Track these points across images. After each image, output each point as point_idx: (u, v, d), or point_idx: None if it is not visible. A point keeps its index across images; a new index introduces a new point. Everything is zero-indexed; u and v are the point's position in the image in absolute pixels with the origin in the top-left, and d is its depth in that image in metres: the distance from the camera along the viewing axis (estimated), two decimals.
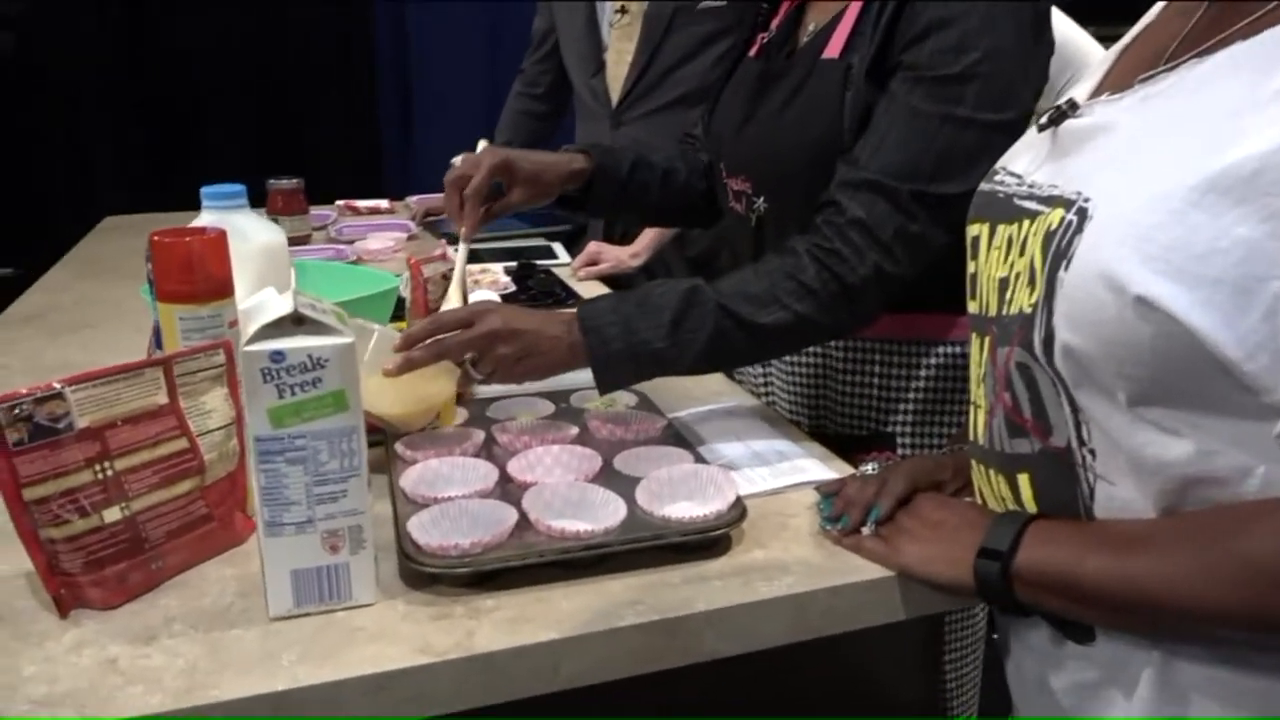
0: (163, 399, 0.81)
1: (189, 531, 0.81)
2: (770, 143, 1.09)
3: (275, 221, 2.13)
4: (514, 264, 1.89)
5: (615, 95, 2.12)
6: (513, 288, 1.74)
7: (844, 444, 1.15)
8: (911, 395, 1.13)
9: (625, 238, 2.00)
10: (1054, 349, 0.67)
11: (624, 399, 1.12)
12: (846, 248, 0.95)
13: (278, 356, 0.70)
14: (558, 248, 2.11)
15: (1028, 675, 0.80)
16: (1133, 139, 0.67)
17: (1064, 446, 0.70)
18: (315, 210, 2.36)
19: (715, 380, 1.30)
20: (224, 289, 0.86)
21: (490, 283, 1.75)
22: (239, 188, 0.99)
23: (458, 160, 1.12)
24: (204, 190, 0.97)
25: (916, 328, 1.11)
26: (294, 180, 2.17)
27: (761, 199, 1.11)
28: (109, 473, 0.76)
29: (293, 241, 2.15)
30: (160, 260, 0.84)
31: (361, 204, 2.60)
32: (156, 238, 0.84)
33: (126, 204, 2.75)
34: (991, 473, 0.79)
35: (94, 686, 0.66)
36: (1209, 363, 0.60)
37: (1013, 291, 0.73)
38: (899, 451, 1.14)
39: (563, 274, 1.88)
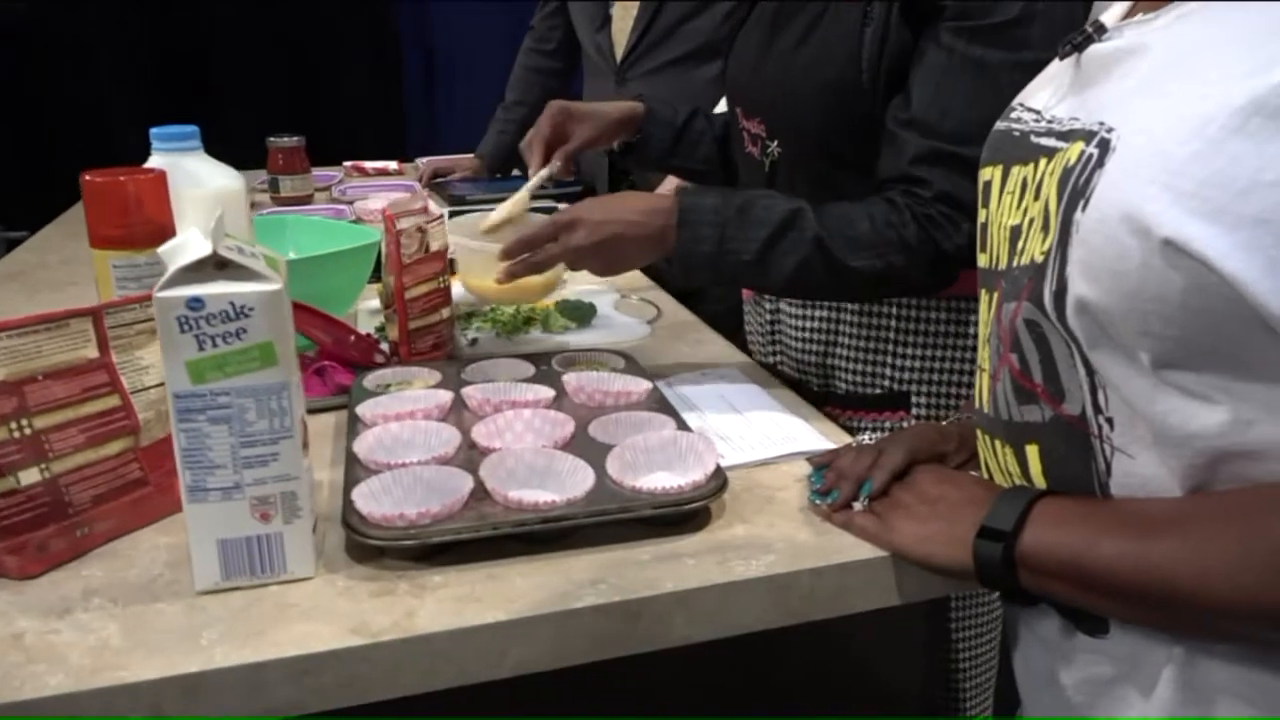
0: (92, 352, 0.75)
1: (120, 496, 0.75)
2: (783, 83, 1.02)
3: (275, 180, 2.08)
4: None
5: (620, 51, 2.03)
6: None
7: (855, 404, 1.08)
8: (928, 352, 1.05)
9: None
10: (1066, 303, 0.58)
11: (611, 362, 1.05)
12: (940, 217, 0.93)
13: (195, 304, 0.63)
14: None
15: (1036, 668, 0.73)
16: (1166, 61, 0.58)
17: (1077, 415, 0.61)
18: (321, 171, 2.30)
19: (715, 344, 1.22)
20: (163, 234, 0.80)
21: None
22: (192, 128, 0.92)
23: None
24: (153, 131, 0.90)
25: None
26: (295, 138, 2.11)
27: (775, 143, 1.05)
28: (26, 431, 0.70)
29: (293, 201, 2.10)
30: (93, 202, 0.77)
31: (369, 165, 2.54)
32: (89, 177, 0.77)
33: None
34: (997, 444, 0.70)
35: None
36: (1248, 318, 0.51)
37: (1025, 240, 0.65)
38: (913, 412, 1.07)
39: None
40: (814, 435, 0.91)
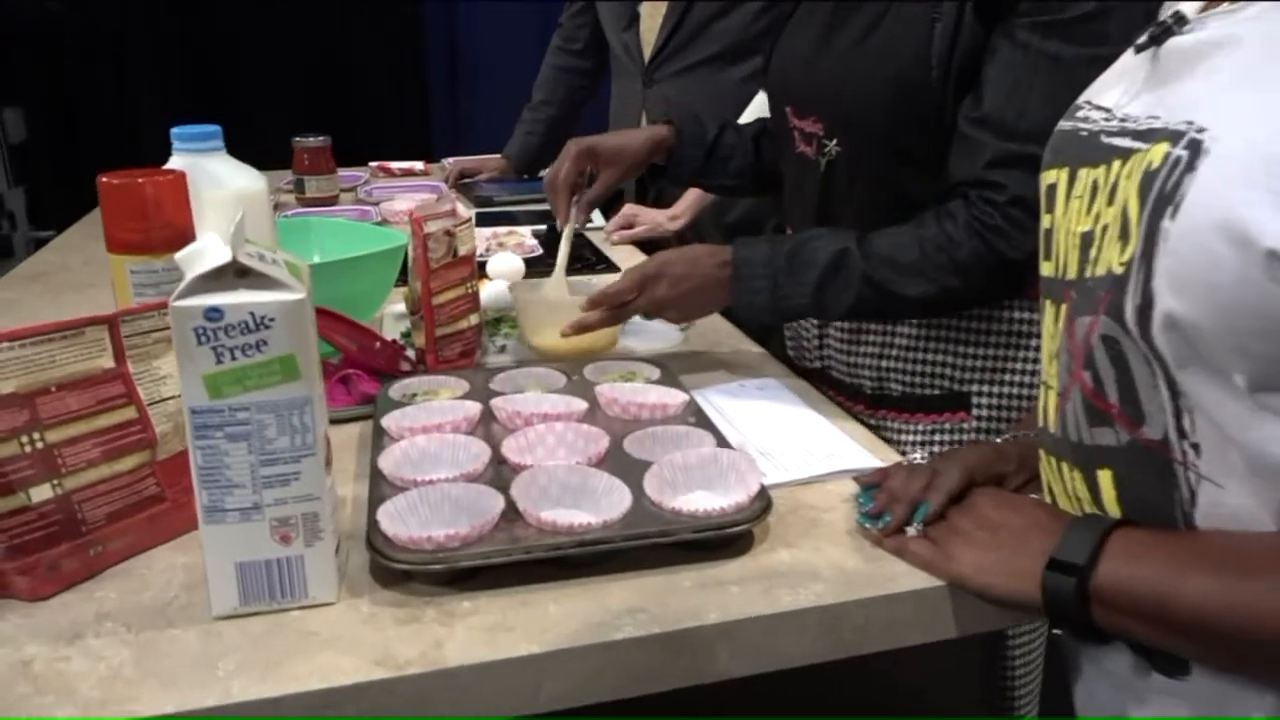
0: (107, 362, 0.71)
1: (135, 513, 0.72)
2: (846, 79, 0.98)
3: (300, 181, 2.05)
4: (542, 227, 1.78)
5: (648, 51, 1.99)
6: (539, 251, 1.63)
7: (911, 406, 1.05)
8: (993, 352, 1.01)
9: (660, 200, 1.88)
10: (1152, 318, 0.54)
11: (645, 372, 1.01)
12: (1009, 225, 0.89)
13: (214, 314, 0.59)
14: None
15: (1102, 703, 0.68)
16: (1263, 54, 0.53)
17: (1159, 440, 0.57)
18: (347, 171, 2.27)
19: (750, 351, 1.18)
20: (183, 238, 0.76)
21: (515, 245, 1.64)
22: (214, 128, 0.89)
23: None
24: (173, 131, 0.86)
25: None
26: (320, 138, 2.08)
27: (834, 141, 1.01)
28: (38, 445, 0.67)
29: (319, 202, 2.08)
30: (110, 205, 0.74)
31: (395, 165, 2.51)
32: (105, 179, 0.74)
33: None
34: (1064, 467, 0.66)
35: None
36: None
37: (1098, 248, 0.60)
38: (974, 414, 1.02)
39: (595, 237, 1.77)
40: (860, 451, 0.87)
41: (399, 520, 0.70)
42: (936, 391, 1.04)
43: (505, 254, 1.48)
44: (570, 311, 1.05)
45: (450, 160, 2.53)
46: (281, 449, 0.62)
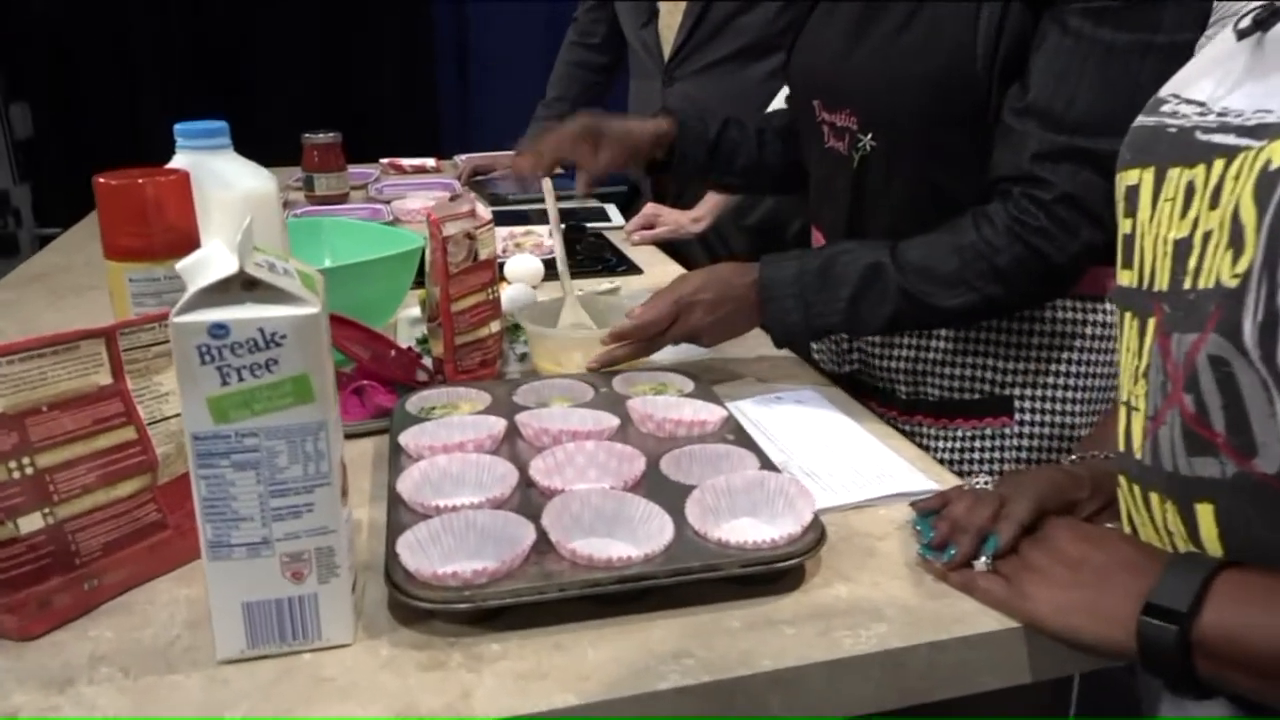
0: (104, 379, 0.66)
1: (135, 542, 0.66)
2: (884, 71, 0.93)
3: (310, 178, 2.00)
4: (562, 226, 1.72)
5: (668, 49, 1.92)
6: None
7: (950, 411, 1.00)
8: (1038, 354, 0.96)
9: (680, 200, 1.82)
10: (1278, 337, 0.47)
11: (677, 383, 0.95)
12: (1054, 225, 0.84)
13: (219, 330, 0.54)
14: (611, 209, 1.94)
15: None
16: None
17: (1273, 474, 0.51)
18: (357, 168, 2.21)
19: (778, 355, 1.12)
20: (186, 244, 0.71)
21: (534, 246, 1.58)
22: (220, 124, 0.83)
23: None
24: (177, 128, 0.81)
25: None
26: (331, 134, 2.02)
27: (869, 136, 0.96)
28: (27, 471, 0.61)
29: (329, 200, 2.02)
30: (107, 208, 0.69)
31: (406, 162, 2.46)
32: (101, 180, 0.68)
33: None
34: (1154, 497, 0.59)
35: None
36: None
37: (1200, 257, 0.54)
38: (1016, 417, 0.97)
39: (615, 237, 1.71)
40: (912, 472, 0.81)
41: (420, 551, 0.64)
42: (976, 396, 0.98)
43: (524, 255, 1.43)
44: (589, 344, 1.00)
45: (462, 157, 2.47)
46: (293, 478, 0.57)
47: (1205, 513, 0.55)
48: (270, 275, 0.55)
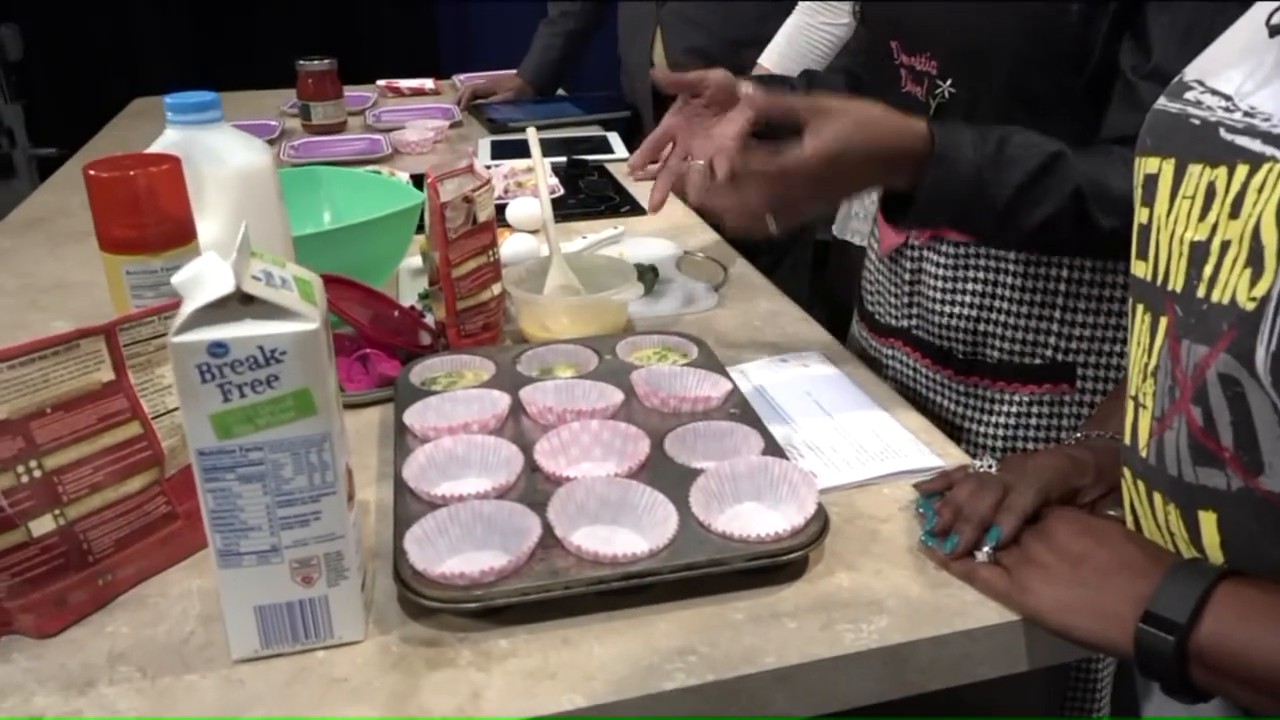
0: (106, 375, 0.65)
1: (146, 536, 0.67)
2: (970, 12, 0.88)
3: (306, 107, 1.95)
4: (562, 159, 1.69)
5: None
6: (561, 191, 1.55)
7: (1008, 374, 0.96)
8: (1105, 320, 0.93)
9: None
10: None
11: (682, 347, 0.94)
12: None
13: (219, 349, 0.53)
14: (614, 139, 1.89)
15: None
16: None
17: (1278, 493, 0.51)
18: (354, 92, 2.16)
19: (788, 314, 1.11)
20: (181, 232, 0.69)
21: (534, 187, 1.55)
22: (212, 96, 0.80)
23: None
24: (167, 101, 0.78)
25: None
26: (326, 60, 1.97)
27: (949, 81, 0.91)
28: (35, 474, 0.61)
29: (326, 129, 1.98)
30: (99, 200, 0.67)
31: (404, 84, 2.41)
32: (92, 172, 0.67)
33: (173, 83, 2.60)
34: (1157, 497, 0.60)
35: None
36: None
37: (1216, 267, 0.53)
38: (1078, 385, 0.94)
39: (619, 171, 1.67)
40: (918, 448, 0.81)
41: (428, 544, 0.65)
42: (1038, 360, 0.95)
43: (526, 198, 1.40)
44: (577, 310, 1.01)
45: (461, 78, 2.41)
46: (299, 489, 0.57)
47: (1208, 520, 0.56)
48: (268, 290, 0.54)
